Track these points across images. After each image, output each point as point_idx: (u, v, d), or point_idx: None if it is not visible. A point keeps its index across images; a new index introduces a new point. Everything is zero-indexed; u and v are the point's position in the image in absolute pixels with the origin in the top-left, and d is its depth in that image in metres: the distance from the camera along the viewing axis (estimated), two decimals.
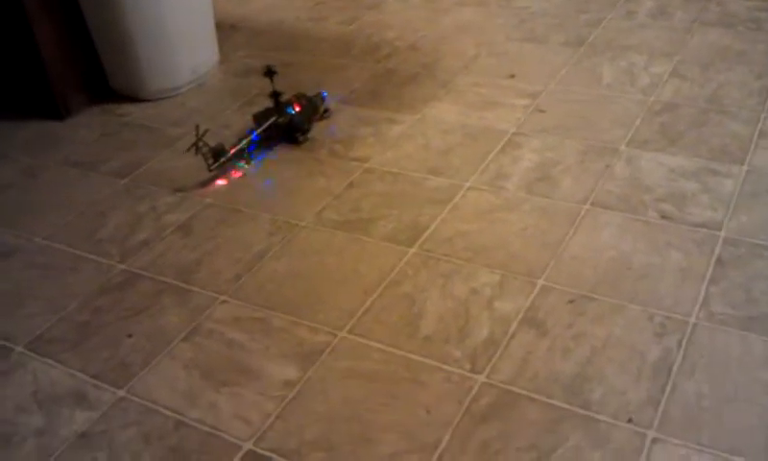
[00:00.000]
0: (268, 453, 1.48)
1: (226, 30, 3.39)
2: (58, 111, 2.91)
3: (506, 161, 2.30)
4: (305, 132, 2.55)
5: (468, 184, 2.21)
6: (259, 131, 2.48)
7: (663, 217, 1.98)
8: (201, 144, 2.34)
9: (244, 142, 2.44)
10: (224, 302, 1.89)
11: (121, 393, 1.66)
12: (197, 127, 2.34)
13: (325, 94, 2.69)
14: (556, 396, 1.52)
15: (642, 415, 1.46)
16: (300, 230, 2.12)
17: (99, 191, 2.42)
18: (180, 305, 1.89)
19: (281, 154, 2.50)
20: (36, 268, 2.11)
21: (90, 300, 1.96)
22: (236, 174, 2.41)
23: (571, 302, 1.75)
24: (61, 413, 1.63)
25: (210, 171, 2.37)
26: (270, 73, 2.51)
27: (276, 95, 2.55)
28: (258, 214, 2.20)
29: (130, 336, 1.82)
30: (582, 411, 1.48)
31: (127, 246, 2.14)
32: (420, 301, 1.81)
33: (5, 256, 2.18)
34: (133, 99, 2.97)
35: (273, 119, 2.52)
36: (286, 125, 2.53)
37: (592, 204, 2.06)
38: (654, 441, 1.41)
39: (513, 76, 2.79)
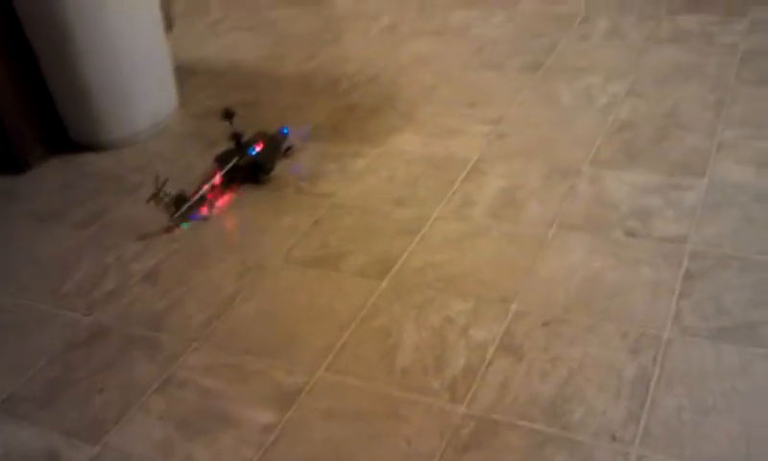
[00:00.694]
0: None
1: (185, 73, 3.38)
2: (17, 165, 2.87)
3: (471, 189, 2.31)
4: (269, 171, 2.54)
5: (435, 214, 2.21)
6: (221, 173, 2.47)
7: (630, 234, 2.00)
8: (162, 194, 2.32)
9: (206, 188, 2.42)
10: (195, 349, 1.85)
11: (96, 449, 1.62)
12: (156, 177, 2.32)
13: (287, 131, 2.69)
14: (537, 420, 1.52)
15: (624, 432, 1.46)
16: (270, 270, 2.10)
17: (62, 243, 2.37)
18: (151, 356, 1.86)
19: (246, 194, 2.48)
20: (4, 329, 2.06)
21: (59, 356, 1.91)
22: (202, 216, 2.39)
23: (546, 325, 1.76)
24: None
25: (172, 220, 2.35)
26: (228, 115, 2.51)
27: (236, 136, 2.54)
28: (226, 257, 2.18)
29: (101, 391, 1.77)
30: (564, 433, 1.48)
31: (94, 298, 2.10)
32: (396, 333, 1.80)
33: None
34: (94, 148, 2.94)
35: (234, 160, 2.51)
36: (249, 165, 2.52)
37: (559, 226, 2.08)
38: (639, 458, 1.41)
39: (473, 104, 2.82)
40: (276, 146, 2.63)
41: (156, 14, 3.01)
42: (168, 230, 2.34)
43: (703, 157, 2.29)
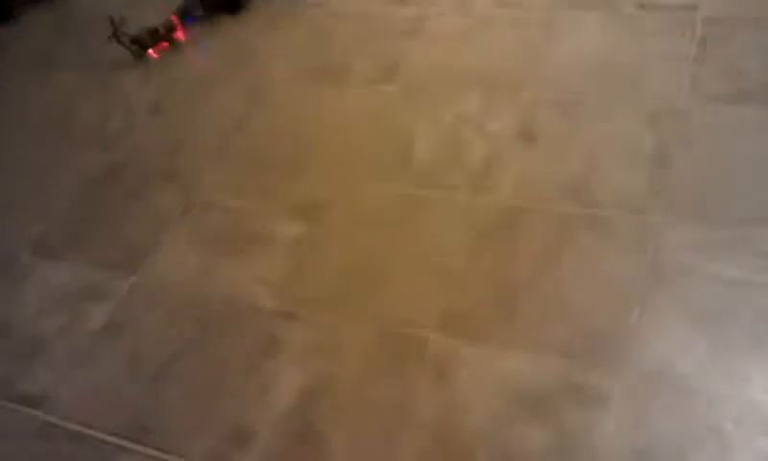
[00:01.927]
0: (290, 308, 1.51)
1: None
2: (2, 14, 2.75)
3: None
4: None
5: (436, 10, 2.14)
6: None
7: (641, 6, 1.94)
8: (119, 34, 2.32)
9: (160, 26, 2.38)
10: (214, 172, 1.86)
11: (134, 278, 1.67)
12: (111, 19, 2.30)
13: None
14: (559, 200, 1.55)
15: (647, 203, 1.49)
16: (276, 86, 2.07)
17: (61, 88, 2.33)
18: (172, 184, 1.87)
19: (229, 21, 2.39)
20: (21, 177, 2.06)
21: (80, 195, 1.93)
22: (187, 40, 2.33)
23: (560, 108, 1.75)
24: (81, 309, 1.64)
25: (135, 55, 2.35)
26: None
27: None
28: (229, 79, 2.14)
29: (129, 223, 1.81)
30: (587, 210, 1.51)
31: (104, 136, 2.08)
32: (410, 134, 1.80)
33: None
34: None
35: None
36: None
37: (568, 6, 2.01)
38: (663, 226, 1.45)
39: None
40: None
41: None
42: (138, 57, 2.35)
43: None
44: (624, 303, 1.33)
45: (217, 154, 1.91)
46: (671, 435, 1.14)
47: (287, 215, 1.70)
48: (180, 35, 2.36)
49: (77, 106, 2.23)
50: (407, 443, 1.23)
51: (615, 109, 1.70)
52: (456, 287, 1.45)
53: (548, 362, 1.28)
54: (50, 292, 1.71)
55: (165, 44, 2.35)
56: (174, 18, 2.38)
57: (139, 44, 2.33)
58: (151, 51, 2.34)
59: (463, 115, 1.80)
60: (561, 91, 1.79)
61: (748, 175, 1.48)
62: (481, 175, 1.65)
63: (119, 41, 2.32)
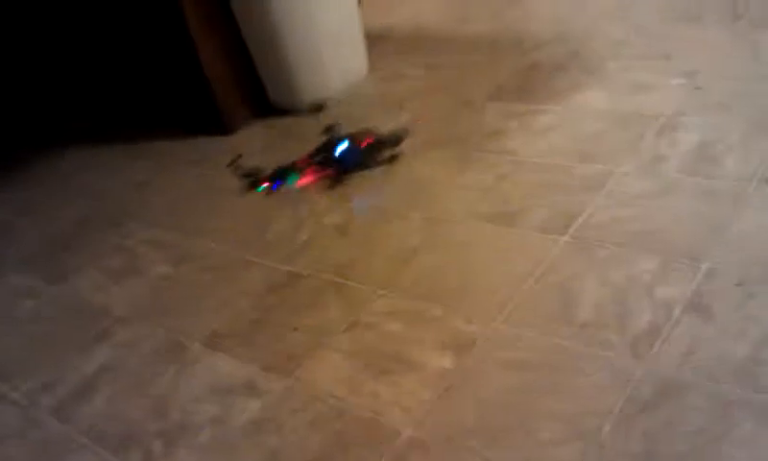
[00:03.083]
0: (427, 439, 1.52)
1: (374, 40, 3.49)
2: (224, 127, 3.13)
3: (662, 144, 2.21)
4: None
5: (622, 170, 2.14)
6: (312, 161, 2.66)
7: None
8: (235, 166, 2.73)
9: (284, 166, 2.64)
10: (381, 296, 1.95)
11: (289, 381, 1.77)
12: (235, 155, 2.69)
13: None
14: (725, 381, 1.44)
15: None
16: (451, 224, 2.15)
17: (264, 198, 2.58)
18: (341, 300, 1.98)
19: (429, 152, 2.54)
20: (209, 271, 2.28)
21: (259, 298, 2.09)
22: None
23: (740, 285, 1.66)
24: (235, 402, 1.76)
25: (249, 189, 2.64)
26: (317, 109, 2.65)
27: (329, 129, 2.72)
28: (408, 213, 2.26)
29: (295, 330, 1.93)
30: (755, 396, 1.40)
31: (291, 247, 2.26)
32: (576, 288, 1.78)
33: (179, 262, 2.38)
34: (291, 111, 3.14)
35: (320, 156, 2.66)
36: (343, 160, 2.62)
37: (760, 181, 1.94)
38: None
39: (666, 57, 2.67)
40: (375, 150, 2.62)
41: None
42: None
43: None
44: None
45: (387, 279, 2.00)
46: None
47: (440, 346, 1.73)
48: (311, 176, 2.58)
49: (273, 215, 2.45)
50: None
51: None
52: (601, 453, 1.38)
53: None
54: (210, 382, 1.84)
55: (308, 180, 2.58)
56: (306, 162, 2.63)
57: (252, 177, 2.66)
58: (264, 184, 2.63)
59: (634, 277, 1.76)
60: (743, 267, 1.70)
61: None
62: (644, 341, 1.58)
63: (234, 171, 2.71)
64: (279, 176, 2.61)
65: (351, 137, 2.64)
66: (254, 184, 2.64)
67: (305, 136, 2.90)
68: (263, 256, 2.26)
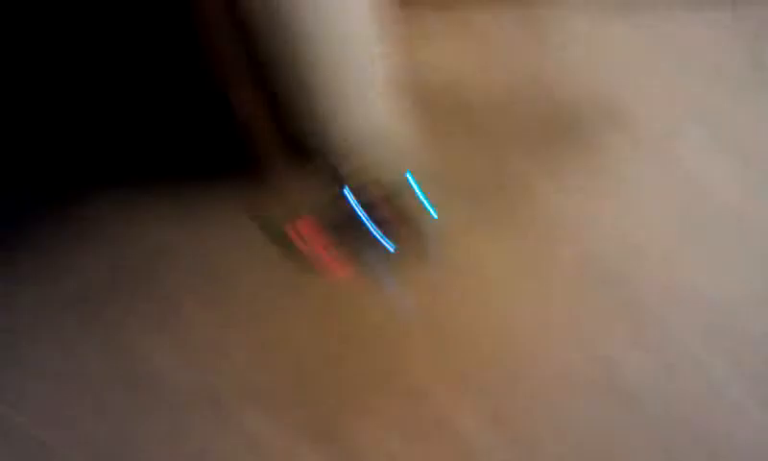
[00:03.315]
0: None
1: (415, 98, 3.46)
2: (263, 178, 3.16)
3: None
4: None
5: None
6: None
7: None
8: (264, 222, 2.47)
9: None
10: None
11: (327, 447, 1.80)
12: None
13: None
14: None
15: None
16: (491, 288, 2.15)
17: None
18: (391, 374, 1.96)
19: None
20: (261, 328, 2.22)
21: (306, 369, 2.06)
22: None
23: None
24: None
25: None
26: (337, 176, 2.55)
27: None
28: (451, 281, 2.23)
29: (336, 394, 1.94)
30: None
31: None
32: (611, 361, 1.80)
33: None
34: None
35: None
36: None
37: None
38: None
39: None
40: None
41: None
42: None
43: None
44: None
45: (432, 346, 2.02)
46: None
47: (473, 407, 1.77)
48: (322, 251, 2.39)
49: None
50: None
51: None
52: None
53: None
54: (245, 440, 1.86)
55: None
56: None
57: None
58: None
59: None
60: None
61: None
62: None
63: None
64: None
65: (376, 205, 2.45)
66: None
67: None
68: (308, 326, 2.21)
